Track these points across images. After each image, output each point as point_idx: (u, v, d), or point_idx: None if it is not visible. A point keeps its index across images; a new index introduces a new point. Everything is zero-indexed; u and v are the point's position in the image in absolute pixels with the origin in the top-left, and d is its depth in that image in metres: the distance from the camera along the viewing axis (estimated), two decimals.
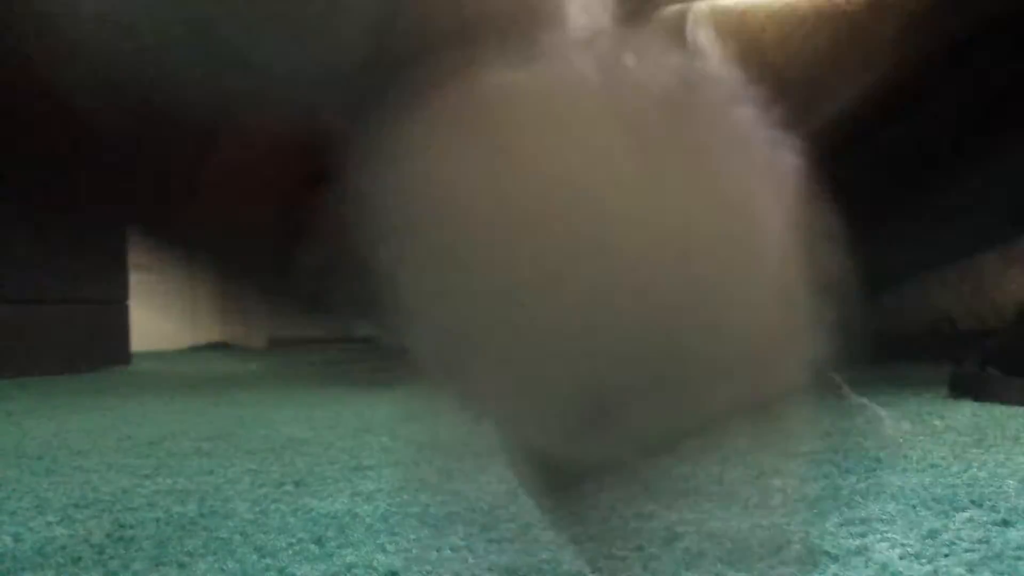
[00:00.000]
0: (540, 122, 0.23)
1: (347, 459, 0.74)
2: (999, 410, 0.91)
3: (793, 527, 0.47)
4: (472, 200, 0.23)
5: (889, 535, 0.45)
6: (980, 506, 0.50)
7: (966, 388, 1.02)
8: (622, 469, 0.27)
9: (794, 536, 0.45)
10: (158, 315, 3.48)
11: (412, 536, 0.48)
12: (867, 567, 0.40)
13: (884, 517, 0.48)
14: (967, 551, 0.41)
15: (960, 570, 0.39)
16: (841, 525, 0.47)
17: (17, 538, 0.51)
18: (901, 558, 0.41)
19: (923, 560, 0.40)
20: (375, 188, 0.24)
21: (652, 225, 0.23)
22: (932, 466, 0.62)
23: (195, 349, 3.43)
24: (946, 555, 0.41)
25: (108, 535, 0.51)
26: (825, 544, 0.43)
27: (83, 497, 0.61)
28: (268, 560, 0.44)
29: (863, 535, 0.45)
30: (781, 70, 0.59)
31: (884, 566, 0.40)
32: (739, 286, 0.25)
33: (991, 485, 0.56)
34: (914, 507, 0.50)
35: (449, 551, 0.45)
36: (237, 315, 3.71)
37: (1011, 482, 0.56)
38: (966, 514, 0.49)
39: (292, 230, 0.25)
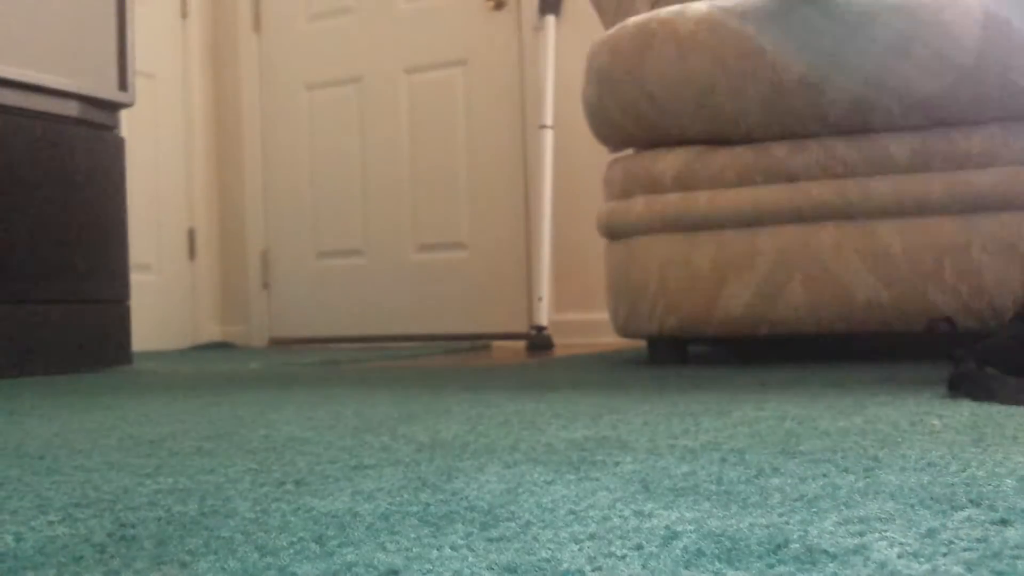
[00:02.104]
0: None
1: (347, 458, 0.74)
2: (997, 410, 0.91)
3: (792, 526, 0.47)
4: None
5: (887, 534, 0.45)
6: (978, 505, 0.50)
7: (965, 388, 1.02)
8: None
9: (792, 535, 0.45)
10: (160, 315, 3.49)
11: (412, 535, 0.48)
12: (865, 566, 0.40)
13: (882, 516, 0.49)
14: (965, 550, 0.42)
15: (959, 569, 0.39)
16: (839, 524, 0.47)
17: (19, 537, 0.51)
18: (899, 557, 0.41)
19: (921, 559, 0.40)
20: None
21: None
22: (930, 465, 0.63)
23: (196, 348, 3.43)
24: (944, 554, 0.41)
25: (109, 534, 0.51)
26: (824, 543, 0.44)
27: (84, 496, 0.61)
28: (269, 559, 0.44)
29: (861, 534, 0.45)
30: None
31: (882, 565, 0.40)
32: None
33: (989, 484, 0.56)
34: (912, 506, 0.51)
35: (449, 549, 0.45)
36: (238, 315, 3.74)
37: (1009, 481, 0.56)
38: (964, 513, 0.49)
39: None
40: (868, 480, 0.58)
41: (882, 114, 1.61)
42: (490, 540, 0.46)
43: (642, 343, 2.62)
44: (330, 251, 3.51)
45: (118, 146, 2.29)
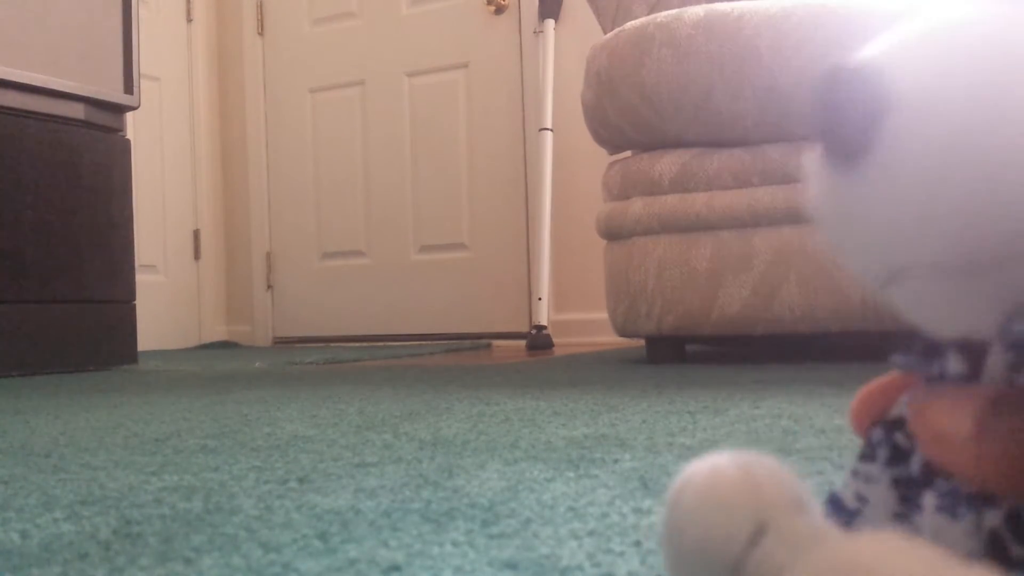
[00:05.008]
0: None
1: (350, 456, 0.74)
2: None
3: None
4: None
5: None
6: None
7: None
8: None
9: None
10: (165, 315, 3.49)
11: (414, 531, 0.48)
12: None
13: None
14: None
15: None
16: None
17: (24, 535, 0.51)
18: None
19: None
20: None
21: None
22: None
23: (201, 348, 3.44)
24: None
25: (114, 531, 0.51)
26: None
27: (90, 494, 0.62)
28: (273, 555, 0.45)
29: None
30: None
31: None
32: None
33: None
34: None
35: (450, 546, 0.45)
36: (243, 315, 3.74)
37: None
38: None
39: None
40: None
41: None
42: (491, 537, 0.47)
43: (640, 342, 2.63)
44: (333, 252, 3.52)
45: (124, 148, 2.30)
